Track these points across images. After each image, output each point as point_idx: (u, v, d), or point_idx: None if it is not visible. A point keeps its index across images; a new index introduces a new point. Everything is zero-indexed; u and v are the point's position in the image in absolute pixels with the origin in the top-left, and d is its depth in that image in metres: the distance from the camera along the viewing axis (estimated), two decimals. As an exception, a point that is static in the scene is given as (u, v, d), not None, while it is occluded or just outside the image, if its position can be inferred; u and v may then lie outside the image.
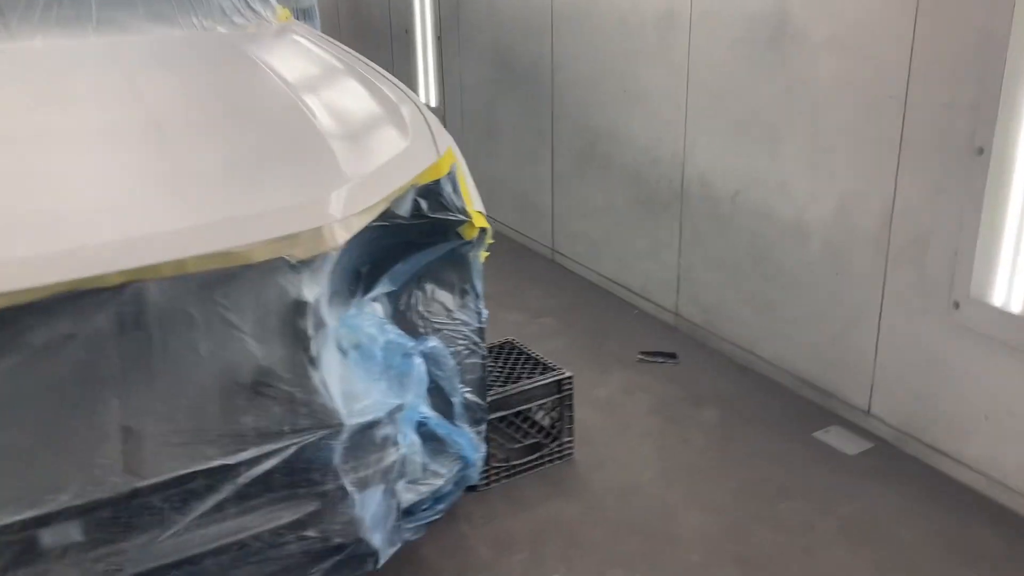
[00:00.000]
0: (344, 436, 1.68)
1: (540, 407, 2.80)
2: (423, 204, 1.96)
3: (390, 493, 1.86)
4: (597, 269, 4.12)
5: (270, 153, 1.70)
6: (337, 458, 1.70)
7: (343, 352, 1.89)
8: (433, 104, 5.26)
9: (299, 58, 2.33)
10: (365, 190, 1.68)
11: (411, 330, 2.14)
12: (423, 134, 1.90)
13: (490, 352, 2.91)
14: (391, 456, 1.83)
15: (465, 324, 2.26)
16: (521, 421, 2.82)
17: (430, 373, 2.17)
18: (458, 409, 2.25)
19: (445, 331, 2.21)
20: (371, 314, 1.98)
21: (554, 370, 2.78)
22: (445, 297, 2.21)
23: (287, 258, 1.56)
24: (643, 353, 3.49)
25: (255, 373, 1.62)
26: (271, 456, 1.61)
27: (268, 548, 1.67)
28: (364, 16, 5.90)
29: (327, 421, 1.63)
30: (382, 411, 1.76)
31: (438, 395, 2.21)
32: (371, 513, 1.79)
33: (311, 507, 1.71)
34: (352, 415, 1.68)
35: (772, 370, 3.28)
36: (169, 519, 1.57)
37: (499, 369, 2.82)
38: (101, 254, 1.40)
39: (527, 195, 4.54)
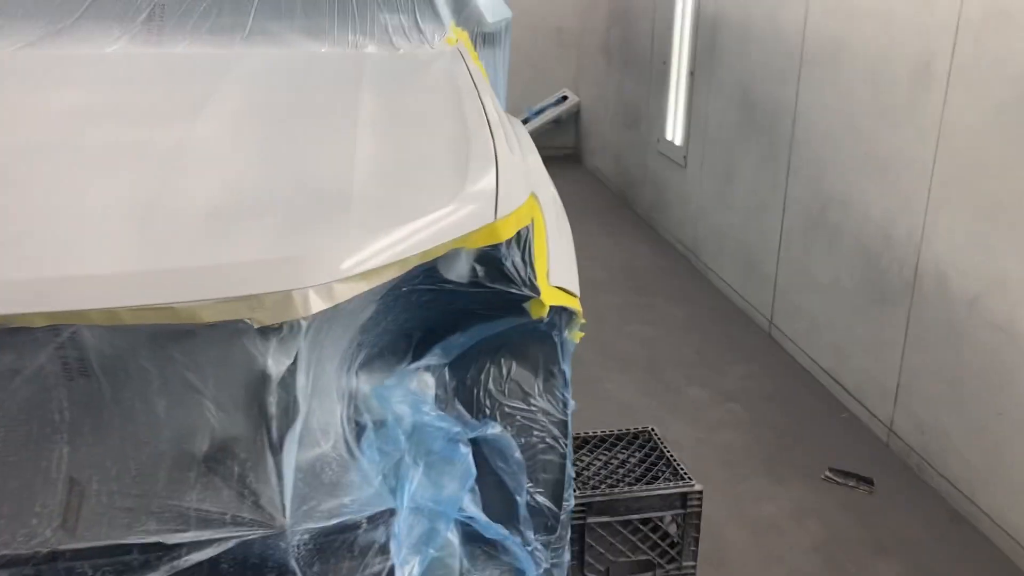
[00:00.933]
0: (297, 538, 1.41)
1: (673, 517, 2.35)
2: (479, 271, 1.64)
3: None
4: (811, 354, 3.52)
5: (283, 192, 1.47)
6: (295, 561, 1.44)
7: (359, 430, 1.63)
8: (678, 143, 4.86)
9: (407, 88, 2.09)
10: (369, 251, 1.39)
11: (475, 410, 1.83)
12: (483, 191, 1.57)
13: (620, 441, 2.51)
14: (375, 566, 1.53)
15: (545, 413, 1.90)
16: (650, 529, 2.38)
17: (492, 465, 1.85)
18: (522, 512, 1.89)
19: (518, 418, 1.86)
20: (407, 389, 1.69)
21: (683, 479, 2.32)
22: (524, 378, 1.87)
23: (247, 322, 1.32)
24: (833, 471, 2.88)
25: (209, 445, 1.39)
26: (212, 544, 1.38)
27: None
28: (632, 44, 5.61)
29: (267, 521, 1.37)
30: (361, 514, 1.47)
31: (499, 492, 1.87)
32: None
33: (263, 611, 1.46)
34: (310, 517, 1.40)
35: (992, 529, 2.55)
36: (96, 592, 1.39)
37: (622, 463, 2.41)
38: (27, 291, 1.24)
39: (752, 254, 4.01)
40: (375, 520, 1.50)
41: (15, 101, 1.82)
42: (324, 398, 1.54)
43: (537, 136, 6.84)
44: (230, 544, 1.38)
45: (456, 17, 2.71)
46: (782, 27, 3.64)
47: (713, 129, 4.39)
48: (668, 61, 4.96)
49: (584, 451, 2.47)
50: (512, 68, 6.78)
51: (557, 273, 1.77)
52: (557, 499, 1.95)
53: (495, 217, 1.57)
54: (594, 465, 2.41)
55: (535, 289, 1.67)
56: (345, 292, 1.38)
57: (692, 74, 4.63)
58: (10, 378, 1.35)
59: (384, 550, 1.54)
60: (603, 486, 2.30)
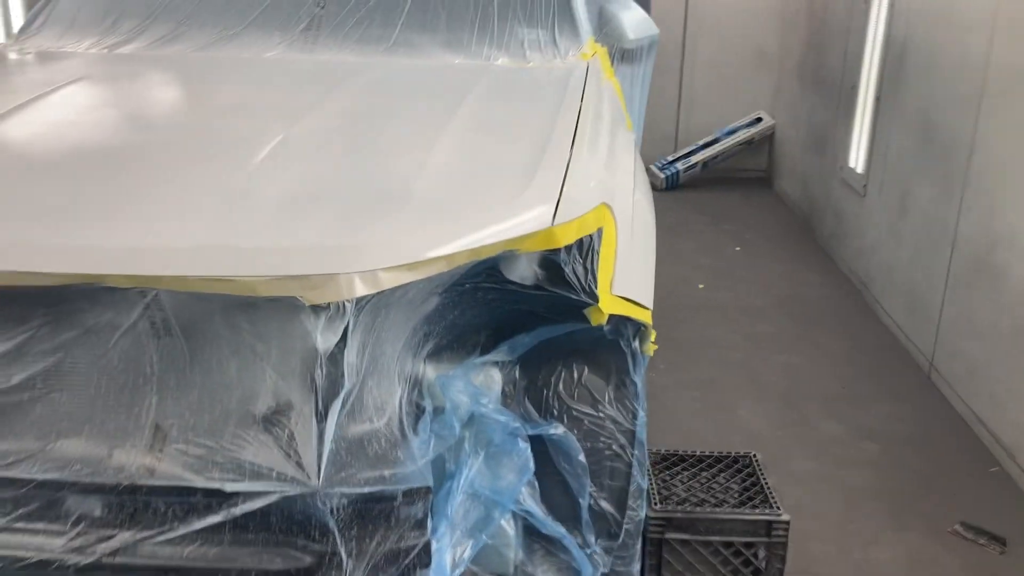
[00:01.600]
0: (335, 501, 1.53)
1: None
2: (540, 274, 1.71)
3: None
4: (968, 401, 3.28)
5: (353, 187, 1.60)
6: (333, 521, 1.56)
7: (419, 414, 1.74)
8: (859, 170, 4.65)
9: (512, 99, 2.18)
10: (414, 243, 1.49)
11: (544, 411, 1.90)
12: (543, 197, 1.64)
13: (718, 463, 2.48)
14: (411, 539, 1.63)
15: (613, 421, 1.94)
16: (732, 554, 2.34)
17: (556, 465, 1.91)
18: (584, 514, 1.94)
19: (586, 423, 1.92)
20: (469, 380, 1.79)
21: (771, 507, 2.26)
22: (595, 385, 1.92)
23: (299, 299, 1.46)
24: (964, 525, 2.69)
25: (268, 408, 1.55)
26: (261, 497, 1.53)
27: (249, 589, 1.60)
28: (825, 67, 5.42)
29: (303, 480, 1.50)
30: (397, 488, 1.57)
31: (563, 492, 1.93)
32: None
33: (303, 563, 1.59)
34: (346, 483, 1.52)
35: None
36: (166, 524, 1.59)
37: (716, 484, 2.38)
38: (114, 256, 1.44)
39: (917, 291, 3.78)
40: (411, 495, 1.61)
41: (166, 96, 2.10)
42: (382, 378, 1.67)
43: (728, 157, 6.75)
44: (274, 498, 1.54)
45: (597, 33, 2.78)
46: (966, 53, 3.42)
47: (892, 158, 4.18)
48: (856, 85, 4.76)
49: (679, 468, 2.46)
50: (707, 87, 6.76)
51: (624, 284, 1.80)
52: (621, 507, 1.98)
53: (552, 223, 1.64)
54: (686, 483, 2.40)
55: (594, 296, 1.72)
56: (389, 280, 1.49)
57: (878, 99, 4.43)
58: (112, 332, 1.57)
59: (421, 525, 1.65)
60: (687, 504, 2.29)
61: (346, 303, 1.48)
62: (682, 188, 6.58)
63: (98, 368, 1.60)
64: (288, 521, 1.60)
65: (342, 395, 1.54)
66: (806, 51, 5.92)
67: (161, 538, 1.60)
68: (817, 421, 3.29)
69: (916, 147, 3.88)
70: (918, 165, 3.85)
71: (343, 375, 1.54)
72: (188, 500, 1.58)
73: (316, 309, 1.49)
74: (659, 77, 6.88)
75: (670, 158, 6.70)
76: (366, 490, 1.56)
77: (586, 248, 1.72)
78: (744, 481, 2.39)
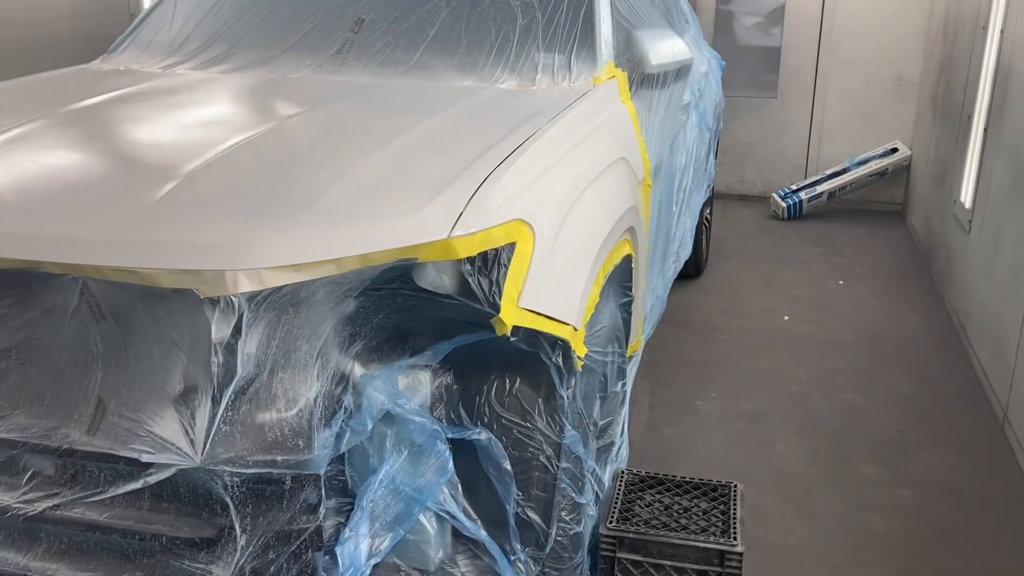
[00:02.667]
0: (227, 478, 1.68)
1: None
2: (448, 283, 1.80)
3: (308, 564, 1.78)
4: (1028, 456, 3.04)
5: (270, 191, 1.75)
6: (229, 498, 1.71)
7: (340, 411, 1.86)
8: (967, 205, 4.37)
9: (480, 119, 2.26)
10: (301, 246, 1.62)
11: (475, 416, 1.98)
12: (444, 210, 1.72)
13: (696, 490, 2.45)
14: (302, 522, 1.75)
15: (542, 433, 1.99)
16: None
17: (485, 470, 1.99)
18: (511, 522, 2.00)
19: (514, 432, 1.98)
20: (390, 381, 1.89)
21: (729, 537, 2.21)
22: (526, 395, 1.98)
23: (196, 292, 1.62)
24: (977, 582, 2.51)
25: (180, 389, 1.72)
26: (167, 468, 1.71)
27: (160, 551, 1.77)
28: (950, 96, 5.12)
29: (188, 456, 1.65)
30: (286, 472, 1.70)
31: (491, 498, 2.00)
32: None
33: (206, 534, 1.75)
34: (231, 462, 1.66)
35: None
36: (99, 487, 1.79)
37: (685, 510, 2.36)
38: (45, 244, 1.66)
39: (1000, 336, 3.53)
40: (300, 481, 1.74)
41: (160, 109, 2.34)
42: (297, 372, 1.80)
43: (858, 188, 6.45)
44: (173, 470, 1.71)
45: (620, 58, 2.82)
46: (1051, 81, 3.19)
47: (992, 193, 3.92)
48: (973, 115, 4.49)
49: (654, 491, 2.45)
50: (842, 115, 6.54)
51: (537, 298, 1.85)
52: (547, 518, 2.03)
53: (450, 234, 1.73)
54: (655, 505, 2.40)
55: (495, 307, 1.78)
56: (274, 279, 1.64)
57: (986, 131, 4.16)
58: (64, 312, 1.80)
59: (312, 510, 1.77)
60: (645, 525, 2.28)
61: (235, 297, 1.63)
62: (805, 218, 6.37)
63: (58, 345, 1.83)
64: (194, 494, 1.77)
65: (234, 382, 1.69)
66: (938, 78, 5.61)
67: (94, 499, 1.82)
68: (857, 463, 3.14)
69: (1011, 182, 3.63)
70: (1011, 201, 3.60)
71: (237, 364, 1.69)
72: (115, 467, 1.79)
73: (212, 301, 1.65)
74: (789, 105, 6.72)
75: (794, 187, 6.50)
76: (252, 471, 1.70)
77: (491, 261, 1.80)
78: (714, 510, 2.36)
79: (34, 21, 5.29)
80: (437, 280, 1.81)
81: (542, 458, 2.01)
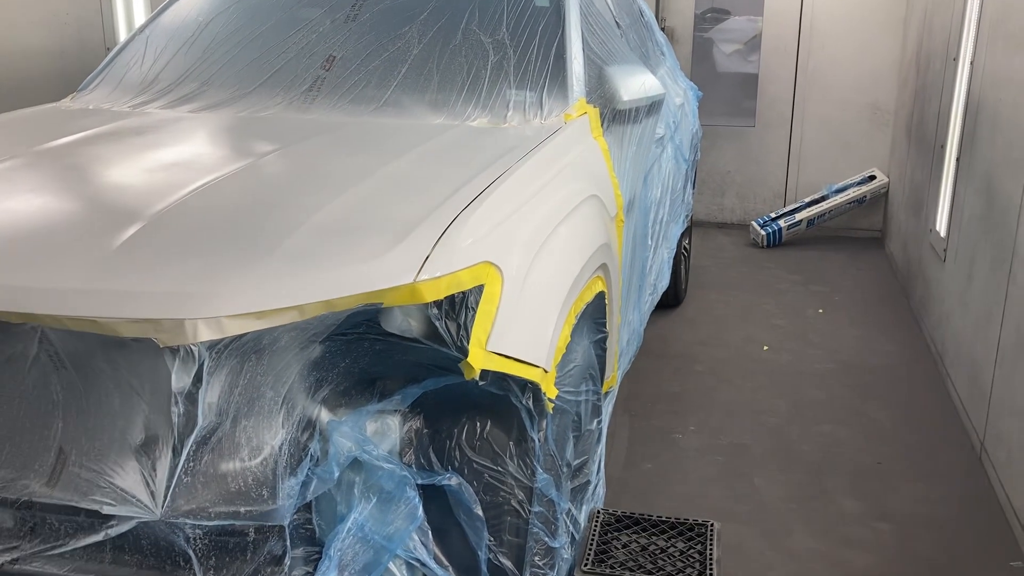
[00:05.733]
0: (189, 531, 1.64)
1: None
2: (415, 327, 1.78)
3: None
4: (1006, 488, 3.03)
5: (217, 241, 1.73)
6: (191, 550, 1.67)
7: (306, 459, 1.83)
8: (942, 234, 4.40)
9: (444, 159, 2.25)
10: (261, 293, 1.60)
11: (446, 461, 1.95)
12: (409, 253, 1.70)
13: (672, 529, 2.42)
14: (267, 573, 1.71)
15: (513, 477, 1.97)
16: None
17: (455, 515, 1.96)
18: (483, 569, 1.97)
19: (486, 476, 1.95)
20: (357, 426, 1.86)
21: (704, 580, 2.19)
22: (497, 439, 1.95)
23: (155, 340, 1.59)
24: (957, 619, 2.48)
25: (141, 439, 1.69)
26: (127, 521, 1.67)
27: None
28: (924, 124, 5.16)
29: (148, 508, 1.62)
30: (250, 523, 1.67)
31: (462, 544, 1.97)
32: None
33: (170, 586, 1.72)
34: (193, 514, 1.62)
35: None
36: (60, 540, 1.75)
37: (661, 551, 2.33)
38: (2, 293, 1.64)
39: (976, 366, 3.53)
40: (264, 532, 1.70)
41: (124, 150, 2.32)
42: (261, 420, 1.77)
43: (837, 215, 6.48)
44: (134, 522, 1.67)
45: (592, 94, 2.83)
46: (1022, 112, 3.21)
47: (965, 222, 3.94)
48: (945, 144, 4.52)
49: (630, 531, 2.43)
50: (819, 143, 6.58)
51: (506, 341, 1.83)
52: (519, 563, 2.00)
53: (415, 278, 1.71)
54: (631, 546, 2.37)
55: (464, 351, 1.76)
56: (235, 327, 1.61)
57: (958, 160, 4.19)
58: (24, 361, 1.76)
59: (278, 562, 1.73)
60: (620, 567, 2.25)
61: (195, 346, 1.60)
62: (784, 246, 6.39)
63: (17, 394, 1.79)
64: (156, 546, 1.73)
65: (195, 432, 1.65)
66: (912, 107, 5.67)
67: (54, 552, 1.77)
68: (835, 497, 3.12)
69: (982, 211, 3.65)
70: (981, 229, 3.62)
71: (198, 414, 1.66)
72: (75, 519, 1.74)
73: (172, 350, 1.62)
74: (767, 133, 6.76)
75: (772, 215, 6.52)
76: (214, 523, 1.66)
77: (459, 304, 1.78)
78: (691, 550, 2.33)
79: (7, 56, 5.27)
80: (404, 324, 1.79)
81: (514, 502, 1.98)
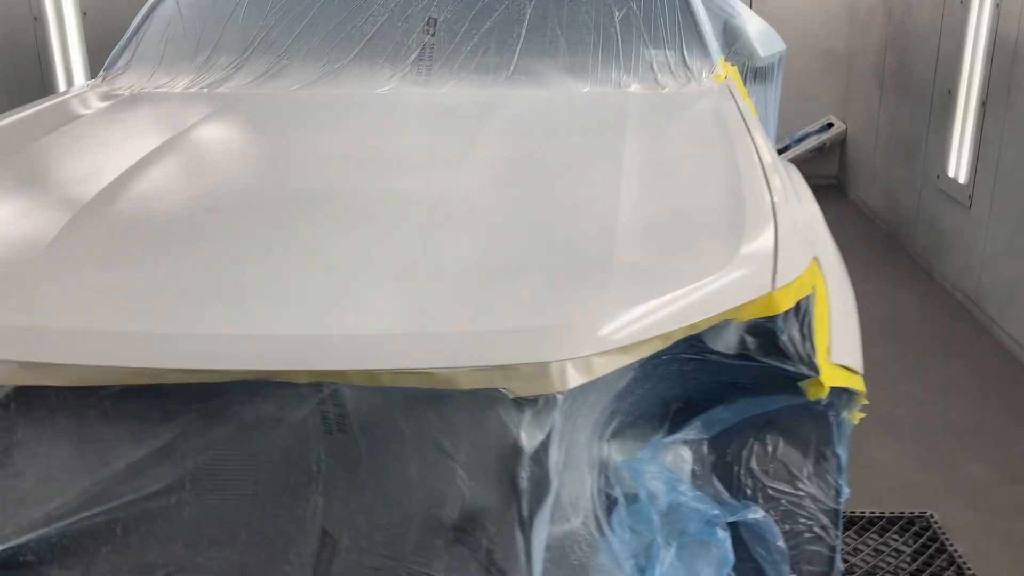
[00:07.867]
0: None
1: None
2: (750, 343, 1.48)
3: None
4: None
5: (543, 254, 1.38)
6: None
7: (610, 505, 1.51)
8: (962, 180, 4.38)
9: (674, 133, 1.95)
10: (631, 323, 1.27)
11: (735, 490, 1.66)
12: (759, 256, 1.41)
13: (892, 525, 2.23)
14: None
15: (813, 499, 1.70)
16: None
17: (752, 551, 1.68)
18: (783, 607, 1.70)
19: (783, 503, 1.69)
20: (662, 463, 1.56)
21: (969, 580, 2.02)
22: (792, 459, 1.68)
23: (503, 391, 1.24)
24: None
25: (459, 514, 1.33)
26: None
27: None
28: (911, 70, 5.16)
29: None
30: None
31: (755, 581, 1.70)
32: None
33: None
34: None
35: None
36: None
37: (894, 553, 2.14)
38: (293, 349, 1.23)
39: (1051, 314, 3.51)
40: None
41: (287, 147, 1.88)
42: (575, 470, 1.45)
43: (799, 165, 6.46)
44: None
45: (726, 51, 2.56)
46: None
47: (1007, 167, 3.91)
48: (954, 90, 4.49)
49: (850, 533, 2.22)
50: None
51: (840, 349, 1.57)
52: (823, 596, 1.74)
53: (772, 286, 1.41)
54: (861, 551, 2.16)
55: (814, 368, 1.48)
56: (604, 366, 1.27)
57: (983, 105, 4.16)
58: (273, 427, 1.36)
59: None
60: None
61: (558, 395, 1.26)
62: (752, 200, 6.31)
63: (256, 467, 1.38)
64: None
65: (548, 499, 1.31)
66: (883, 53, 5.65)
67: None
68: (960, 463, 3.02)
69: (1039, 157, 3.62)
70: (1042, 176, 3.59)
71: (548, 476, 1.31)
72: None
73: (520, 403, 1.27)
74: (722, 85, 6.65)
75: (738, 169, 6.43)
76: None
77: (802, 311, 1.49)
78: (926, 548, 2.15)
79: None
80: (732, 340, 1.49)
81: (816, 528, 1.72)
